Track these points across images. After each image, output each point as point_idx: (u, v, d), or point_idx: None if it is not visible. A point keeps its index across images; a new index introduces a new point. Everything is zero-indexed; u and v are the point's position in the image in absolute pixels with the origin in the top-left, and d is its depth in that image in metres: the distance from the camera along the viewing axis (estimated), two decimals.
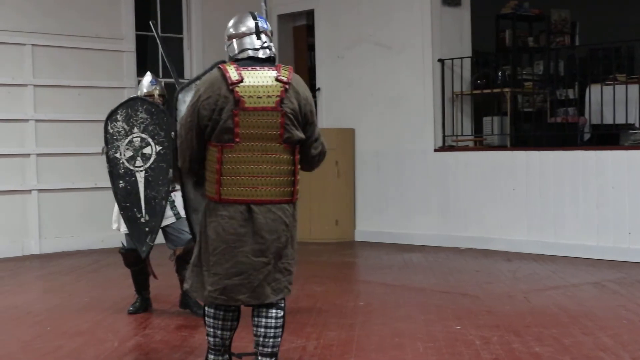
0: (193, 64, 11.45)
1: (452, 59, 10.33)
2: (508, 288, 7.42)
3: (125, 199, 6.12)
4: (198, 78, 4.54)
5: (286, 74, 4.34)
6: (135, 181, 6.11)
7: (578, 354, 5.15)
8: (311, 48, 11.93)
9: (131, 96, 6.41)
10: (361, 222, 11.08)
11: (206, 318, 4.48)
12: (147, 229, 6.07)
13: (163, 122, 6.04)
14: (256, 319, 4.39)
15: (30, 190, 10.14)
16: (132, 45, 10.96)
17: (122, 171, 6.14)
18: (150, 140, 6.12)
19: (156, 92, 6.46)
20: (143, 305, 6.57)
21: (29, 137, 10.15)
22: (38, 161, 10.19)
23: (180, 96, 4.63)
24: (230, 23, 4.52)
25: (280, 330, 4.40)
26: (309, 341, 5.51)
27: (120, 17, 10.88)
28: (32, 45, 10.17)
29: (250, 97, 4.24)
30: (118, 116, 6.19)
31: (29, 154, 10.13)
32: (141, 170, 6.12)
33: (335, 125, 11.06)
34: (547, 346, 5.33)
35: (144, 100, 6.24)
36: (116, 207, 6.35)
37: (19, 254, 9.98)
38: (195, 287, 4.44)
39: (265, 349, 4.38)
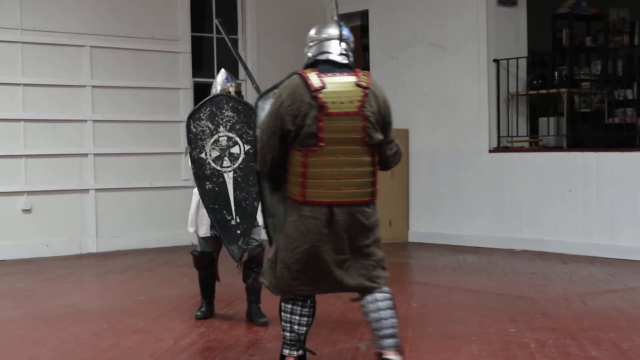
0: (248, 65, 11.44)
1: (508, 59, 10.25)
2: (564, 291, 7.34)
3: (214, 201, 5.79)
4: (276, 86, 4.60)
5: (365, 79, 4.45)
6: (224, 182, 5.83)
7: (636, 359, 5.07)
8: (365, 48, 11.92)
9: (215, 93, 6.06)
10: (415, 223, 11.05)
11: (282, 314, 4.56)
12: (238, 232, 5.76)
13: (251, 120, 5.35)
14: (364, 308, 4.47)
15: (88, 190, 10.30)
16: (187, 47, 11.07)
17: (208, 172, 5.82)
18: (238, 139, 5.86)
19: (232, 89, 6.11)
20: (209, 310, 6.28)
21: (86, 137, 10.31)
22: (96, 161, 10.35)
23: (259, 103, 4.68)
24: (314, 29, 4.63)
25: (392, 311, 4.45)
26: (362, 341, 5.50)
27: (176, 18, 10.99)
28: (91, 47, 10.33)
29: (333, 102, 4.35)
30: (202, 115, 5.86)
31: (86, 154, 10.29)
32: (229, 171, 5.84)
33: None
34: (604, 350, 5.25)
35: (230, 97, 5.94)
36: (192, 209, 6.07)
37: (76, 252, 10.15)
38: (272, 282, 4.52)
39: (384, 331, 4.41)
